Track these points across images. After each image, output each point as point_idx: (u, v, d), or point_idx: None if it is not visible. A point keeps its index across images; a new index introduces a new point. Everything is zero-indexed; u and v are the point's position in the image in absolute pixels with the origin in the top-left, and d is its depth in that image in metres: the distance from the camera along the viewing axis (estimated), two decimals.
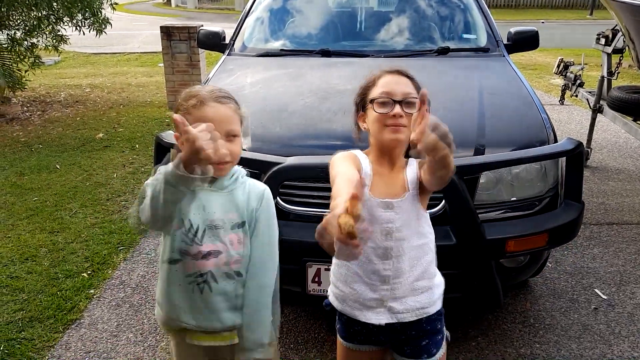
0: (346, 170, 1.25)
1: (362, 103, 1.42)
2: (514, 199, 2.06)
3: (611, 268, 2.90)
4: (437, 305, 1.44)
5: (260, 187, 1.41)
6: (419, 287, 1.40)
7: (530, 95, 2.44)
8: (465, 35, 3.24)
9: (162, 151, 2.24)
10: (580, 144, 2.07)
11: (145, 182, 1.19)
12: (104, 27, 6.41)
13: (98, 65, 9.71)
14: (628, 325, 2.43)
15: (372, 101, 1.36)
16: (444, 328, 1.47)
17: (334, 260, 1.43)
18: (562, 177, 2.14)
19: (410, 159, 1.42)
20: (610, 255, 3.03)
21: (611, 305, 2.57)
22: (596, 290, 2.70)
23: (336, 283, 1.45)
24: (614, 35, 4.32)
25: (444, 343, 1.47)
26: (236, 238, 1.34)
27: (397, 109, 1.31)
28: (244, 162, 2.02)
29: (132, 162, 4.52)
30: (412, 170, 1.38)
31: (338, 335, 1.52)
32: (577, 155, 2.08)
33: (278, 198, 2.02)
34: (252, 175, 2.01)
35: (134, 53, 10.92)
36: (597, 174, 4.25)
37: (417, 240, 1.38)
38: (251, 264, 1.37)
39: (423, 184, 1.34)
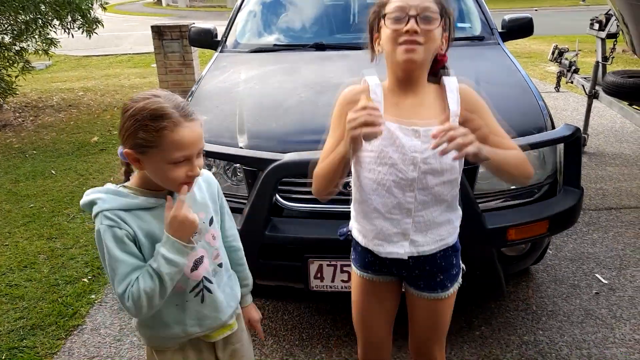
0: (331, 147, 1.29)
1: (376, 21, 1.27)
2: (513, 187, 2.06)
3: (611, 252, 2.90)
4: (455, 237, 1.39)
5: (207, 175, 1.36)
6: (442, 220, 1.32)
7: (527, 83, 2.43)
8: (459, 24, 3.22)
9: None
10: (578, 129, 2.07)
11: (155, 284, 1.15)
12: (94, 27, 6.35)
13: (90, 67, 9.65)
14: (629, 308, 2.44)
15: (384, 16, 1.21)
16: (460, 261, 1.42)
17: (353, 196, 1.38)
18: (561, 164, 2.14)
19: (445, 78, 1.28)
20: (609, 239, 3.04)
21: (612, 290, 2.58)
22: (597, 275, 2.71)
23: (357, 218, 1.39)
24: (608, 20, 4.32)
25: (459, 277, 1.43)
26: (211, 235, 1.31)
27: (412, 23, 1.16)
28: (241, 159, 2.03)
29: None
30: (453, 97, 1.24)
31: (352, 266, 1.47)
32: (576, 141, 2.08)
33: (277, 195, 2.01)
34: (249, 173, 2.01)
35: (126, 54, 10.85)
36: (594, 160, 4.25)
37: (448, 175, 1.25)
38: (233, 239, 1.45)
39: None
